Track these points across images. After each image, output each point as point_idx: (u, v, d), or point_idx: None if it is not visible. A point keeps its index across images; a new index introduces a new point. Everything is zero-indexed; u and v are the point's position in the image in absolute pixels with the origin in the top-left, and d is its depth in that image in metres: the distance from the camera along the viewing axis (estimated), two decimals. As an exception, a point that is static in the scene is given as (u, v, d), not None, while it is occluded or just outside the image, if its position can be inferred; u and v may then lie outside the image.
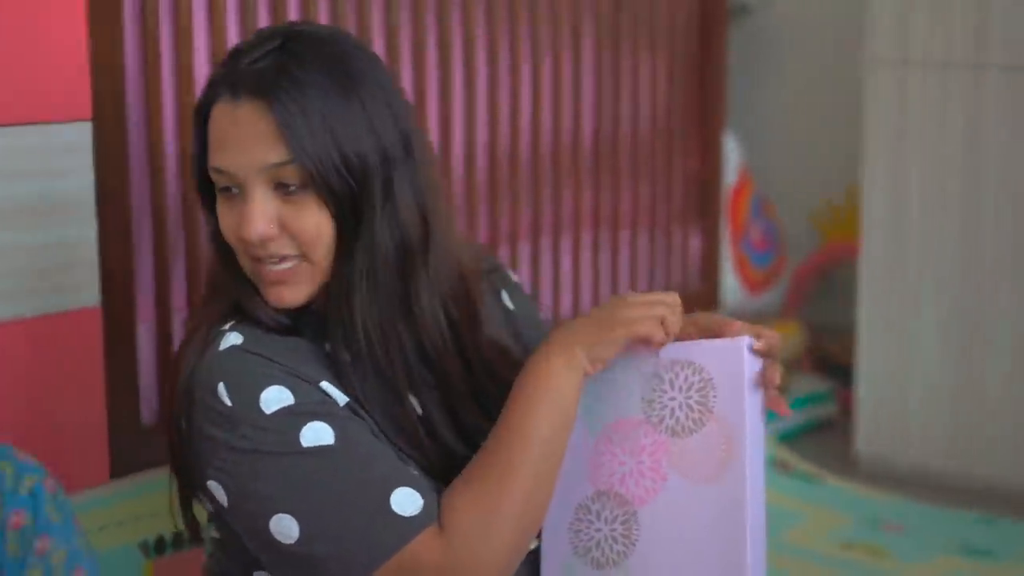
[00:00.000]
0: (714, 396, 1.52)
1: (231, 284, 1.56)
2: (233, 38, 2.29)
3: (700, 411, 1.53)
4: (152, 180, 2.20)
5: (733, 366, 1.52)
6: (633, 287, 3.23)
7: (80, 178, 2.01)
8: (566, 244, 3.04)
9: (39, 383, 2.02)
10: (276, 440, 1.45)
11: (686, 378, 1.54)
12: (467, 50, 2.73)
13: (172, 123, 2.22)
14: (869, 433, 3.37)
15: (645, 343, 1.52)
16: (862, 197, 3.34)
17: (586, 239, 3.09)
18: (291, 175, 1.47)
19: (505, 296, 1.82)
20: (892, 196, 3.28)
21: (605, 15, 3.06)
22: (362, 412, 1.51)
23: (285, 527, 1.44)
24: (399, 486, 1.44)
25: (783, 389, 1.56)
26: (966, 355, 3.24)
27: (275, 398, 1.46)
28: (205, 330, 1.53)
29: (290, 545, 1.44)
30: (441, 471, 1.53)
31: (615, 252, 3.18)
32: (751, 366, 1.52)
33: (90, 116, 2.02)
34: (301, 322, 1.55)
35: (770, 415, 1.56)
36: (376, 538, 1.43)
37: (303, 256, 1.50)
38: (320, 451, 1.44)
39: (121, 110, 2.10)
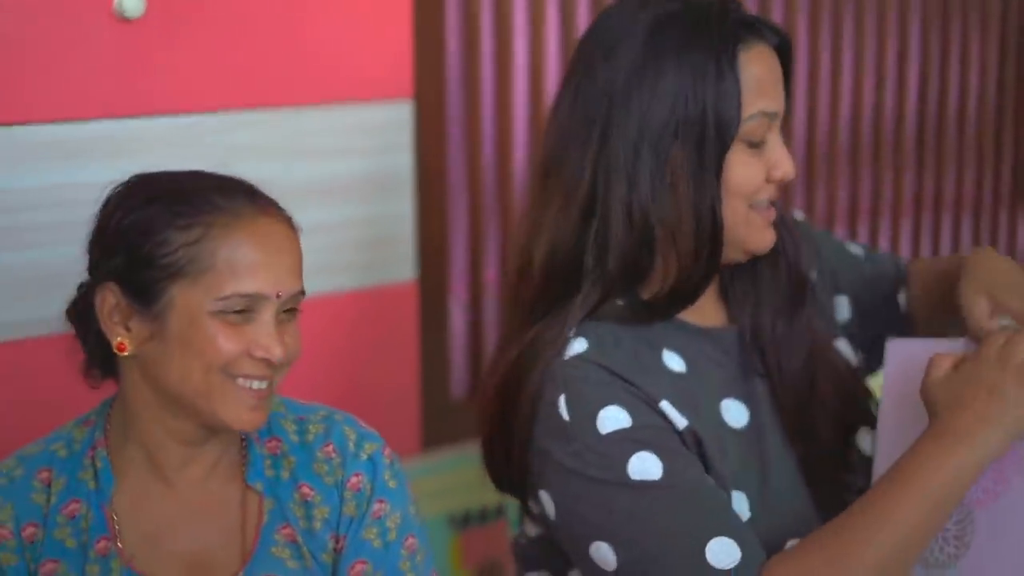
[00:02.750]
0: None
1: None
2: (552, 19, 2.30)
3: None
4: (469, 159, 2.23)
5: None
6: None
7: (400, 156, 2.05)
8: (884, 228, 2.94)
9: (356, 354, 2.07)
10: (604, 465, 1.43)
11: None
12: (788, 30, 2.67)
13: (491, 103, 2.25)
14: None
15: None
16: None
17: (906, 223, 2.99)
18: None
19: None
20: None
21: (934, -8, 2.94)
22: (699, 432, 1.48)
23: (604, 554, 1.43)
24: (717, 535, 1.39)
25: None
26: None
27: (612, 418, 1.44)
28: (557, 329, 1.50)
29: (608, 573, 1.44)
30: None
31: (936, 237, 3.06)
32: None
33: (411, 95, 2.06)
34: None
35: None
36: None
37: None
38: (644, 486, 1.41)
39: (442, 90, 2.13)
